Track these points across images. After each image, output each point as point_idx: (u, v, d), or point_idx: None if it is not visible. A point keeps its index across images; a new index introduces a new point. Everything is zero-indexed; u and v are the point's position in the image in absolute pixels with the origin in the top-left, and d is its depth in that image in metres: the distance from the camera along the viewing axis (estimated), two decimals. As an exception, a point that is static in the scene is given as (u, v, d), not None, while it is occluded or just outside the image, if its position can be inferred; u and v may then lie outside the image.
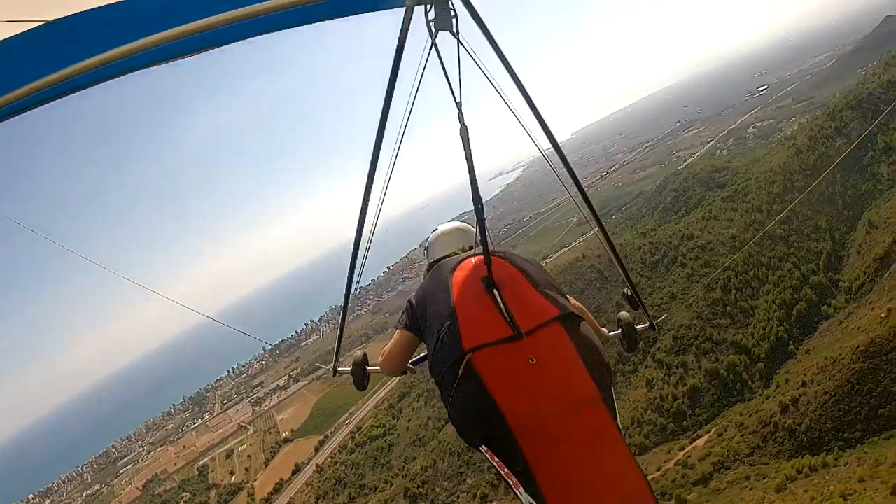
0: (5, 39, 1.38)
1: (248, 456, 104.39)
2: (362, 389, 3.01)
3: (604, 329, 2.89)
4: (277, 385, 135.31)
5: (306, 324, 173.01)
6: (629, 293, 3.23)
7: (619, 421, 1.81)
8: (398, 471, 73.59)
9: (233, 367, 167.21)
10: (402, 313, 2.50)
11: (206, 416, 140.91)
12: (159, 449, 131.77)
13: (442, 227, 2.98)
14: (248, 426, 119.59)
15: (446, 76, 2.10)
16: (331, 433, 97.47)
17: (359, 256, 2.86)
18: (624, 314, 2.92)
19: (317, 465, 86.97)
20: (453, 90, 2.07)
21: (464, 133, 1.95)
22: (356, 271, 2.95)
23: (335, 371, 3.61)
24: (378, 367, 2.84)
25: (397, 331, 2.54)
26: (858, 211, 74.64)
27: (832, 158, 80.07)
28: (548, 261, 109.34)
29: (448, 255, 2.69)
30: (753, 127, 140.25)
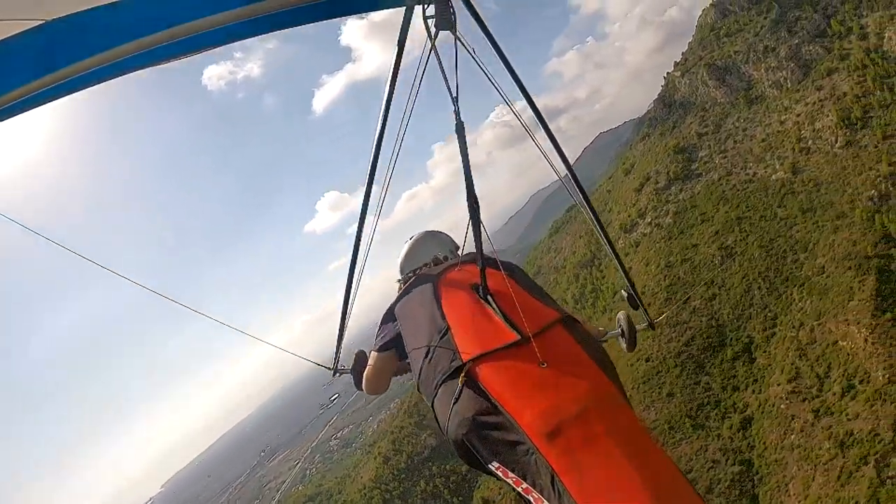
0: (4, 39, 1.35)
1: None
2: (361, 389, 2.85)
3: (601, 328, 2.91)
4: None
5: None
6: (629, 293, 3.28)
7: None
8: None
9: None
10: (378, 331, 2.41)
11: None
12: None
13: (415, 236, 2.96)
14: None
15: (443, 74, 2.14)
16: None
17: (359, 255, 2.81)
18: (623, 314, 2.91)
19: None
20: (450, 88, 2.08)
21: (459, 129, 1.95)
22: (357, 269, 2.87)
23: (335, 370, 3.44)
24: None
25: (373, 353, 2.47)
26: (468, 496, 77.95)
27: (422, 453, 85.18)
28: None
29: (424, 265, 2.66)
30: (335, 438, 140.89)
